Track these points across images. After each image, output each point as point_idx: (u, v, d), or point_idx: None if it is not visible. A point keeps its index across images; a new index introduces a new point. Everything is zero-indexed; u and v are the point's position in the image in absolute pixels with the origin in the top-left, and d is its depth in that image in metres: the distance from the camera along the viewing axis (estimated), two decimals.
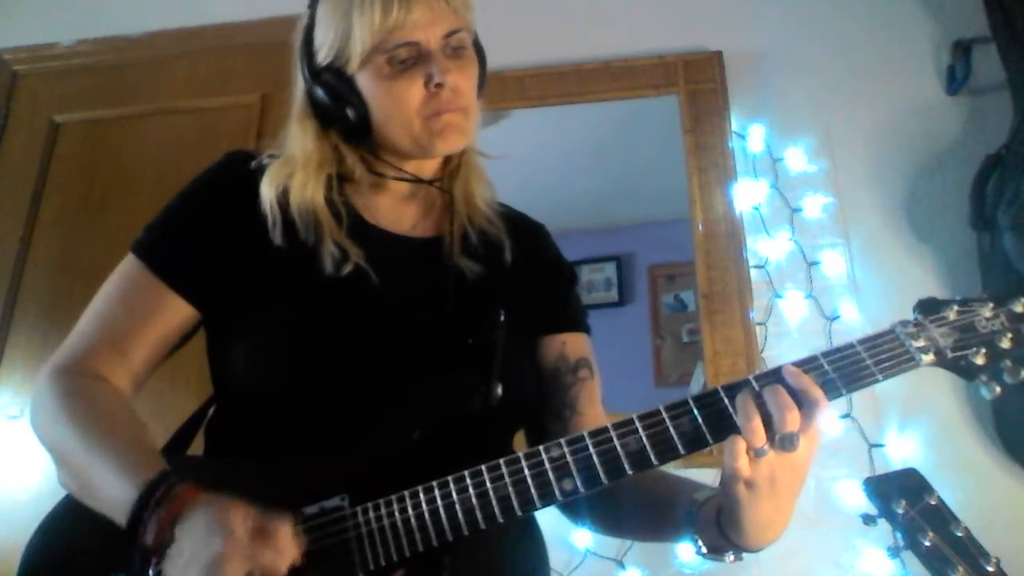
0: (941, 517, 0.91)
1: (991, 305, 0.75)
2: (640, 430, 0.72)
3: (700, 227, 2.02)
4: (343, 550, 0.72)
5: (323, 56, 0.91)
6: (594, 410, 0.96)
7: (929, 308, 0.76)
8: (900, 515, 0.89)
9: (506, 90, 2.15)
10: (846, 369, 0.73)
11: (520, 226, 1.04)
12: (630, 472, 0.72)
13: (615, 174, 2.29)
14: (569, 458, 0.73)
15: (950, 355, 0.74)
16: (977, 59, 1.99)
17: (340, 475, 0.76)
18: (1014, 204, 1.71)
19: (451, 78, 0.87)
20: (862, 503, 0.77)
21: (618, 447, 0.72)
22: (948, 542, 0.89)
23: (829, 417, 0.71)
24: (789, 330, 1.91)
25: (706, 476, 0.85)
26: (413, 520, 0.73)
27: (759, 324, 1.91)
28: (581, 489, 0.72)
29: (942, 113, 2.03)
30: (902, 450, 1.76)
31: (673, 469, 0.86)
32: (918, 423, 1.77)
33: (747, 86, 2.14)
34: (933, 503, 0.92)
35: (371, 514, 0.74)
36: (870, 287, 1.92)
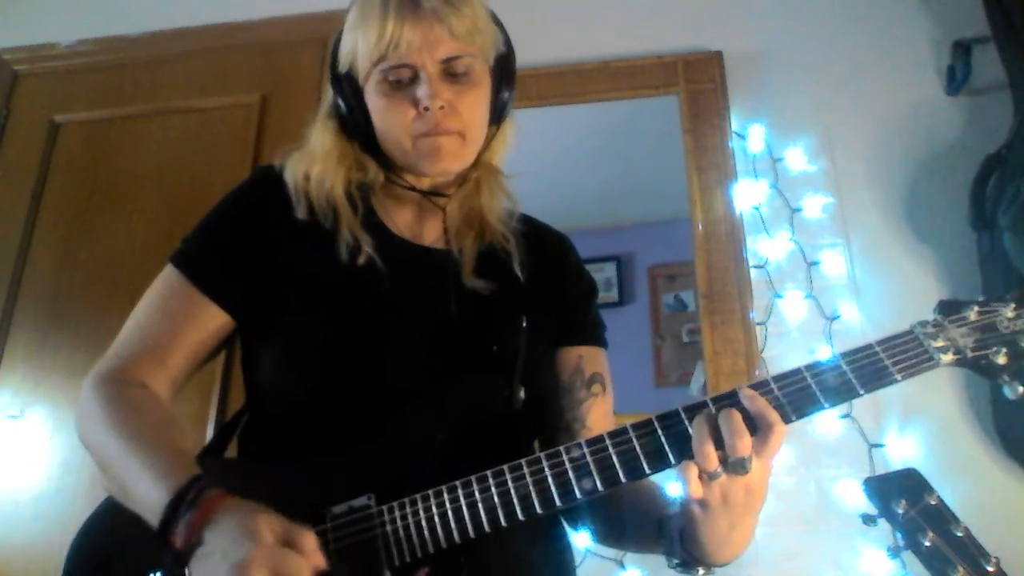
0: (941, 517, 0.91)
1: (1013, 305, 0.75)
2: (659, 430, 0.74)
3: (700, 227, 2.02)
4: (370, 548, 0.74)
5: (342, 65, 0.95)
6: (603, 425, 0.96)
7: (949, 309, 0.76)
8: (900, 515, 0.89)
9: None
10: (865, 370, 0.73)
11: (543, 237, 1.07)
12: (649, 472, 0.73)
13: (615, 174, 2.29)
14: (589, 457, 0.74)
15: (970, 355, 0.74)
16: (977, 59, 1.99)
17: (367, 476, 0.79)
18: (1014, 204, 1.71)
19: (438, 102, 0.89)
20: (862, 503, 0.77)
21: (637, 447, 0.74)
22: (948, 542, 0.89)
23: (781, 441, 0.71)
24: (789, 330, 1.91)
25: None
26: (437, 519, 0.75)
27: (759, 324, 1.91)
28: (600, 487, 0.74)
29: (942, 113, 2.03)
30: (902, 450, 1.76)
31: None
32: (918, 423, 1.78)
33: (747, 86, 2.14)
34: (933, 503, 0.92)
35: (396, 513, 0.76)
36: (870, 287, 1.92)
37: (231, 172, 2.16)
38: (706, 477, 0.70)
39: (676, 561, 0.81)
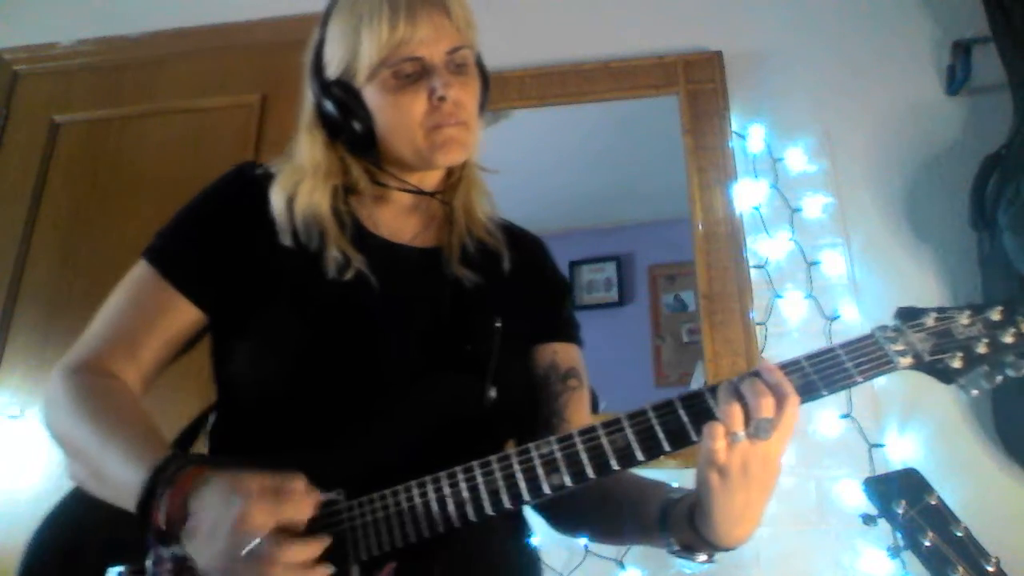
0: (941, 517, 0.91)
1: (968, 312, 0.79)
2: (627, 427, 0.75)
3: (700, 227, 2.02)
4: (338, 541, 0.74)
5: (332, 70, 0.95)
6: (581, 418, 0.98)
7: (908, 315, 0.80)
8: (900, 515, 0.89)
9: (506, 90, 2.15)
10: (826, 371, 0.76)
11: (519, 238, 1.08)
12: (617, 468, 0.75)
13: (615, 174, 2.29)
14: (558, 454, 0.76)
15: (927, 358, 0.77)
16: (977, 59, 1.99)
17: (338, 473, 0.79)
18: (1014, 204, 1.71)
19: (453, 92, 0.91)
20: (862, 503, 0.78)
21: (606, 444, 0.75)
22: (948, 542, 0.89)
23: (798, 417, 0.73)
24: (789, 330, 1.91)
25: (682, 478, 0.86)
26: (405, 513, 0.76)
27: (759, 324, 1.91)
28: (569, 483, 0.75)
29: (942, 113, 2.03)
30: (902, 450, 1.76)
31: (650, 470, 0.88)
32: (918, 423, 1.78)
33: (747, 86, 2.14)
34: (933, 503, 0.92)
35: (365, 508, 0.76)
36: (870, 287, 1.92)
37: None
38: (730, 439, 0.71)
39: (677, 547, 0.81)
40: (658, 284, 2.25)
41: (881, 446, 1.76)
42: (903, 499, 0.91)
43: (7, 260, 2.24)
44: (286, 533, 0.68)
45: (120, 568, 0.77)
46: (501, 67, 2.17)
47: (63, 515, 0.87)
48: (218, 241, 0.92)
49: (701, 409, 0.75)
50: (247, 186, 0.96)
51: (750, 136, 2.08)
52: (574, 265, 2.22)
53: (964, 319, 0.78)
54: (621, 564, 1.73)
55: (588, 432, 0.76)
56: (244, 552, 0.66)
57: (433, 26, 0.90)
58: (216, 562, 0.68)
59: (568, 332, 1.05)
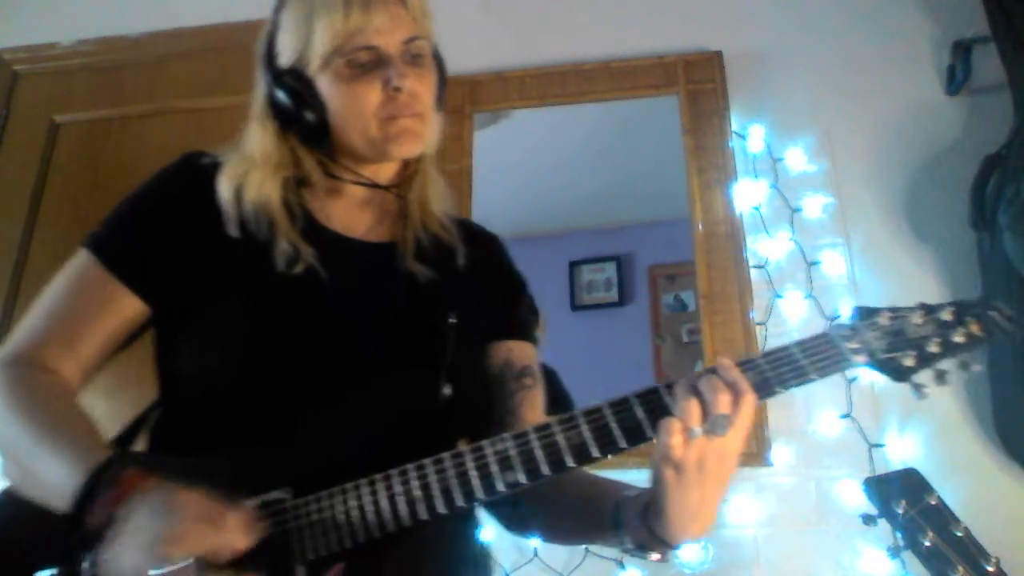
0: (941, 517, 0.91)
1: (920, 312, 0.80)
2: (583, 424, 0.75)
3: (700, 227, 2.02)
4: (284, 541, 0.72)
5: (285, 59, 0.93)
6: (535, 418, 0.96)
7: (863, 314, 0.81)
8: (900, 515, 0.89)
9: (506, 90, 2.15)
10: (781, 368, 0.77)
11: (474, 235, 1.07)
12: (572, 464, 0.74)
13: (615, 174, 2.29)
14: (513, 451, 0.75)
15: (880, 356, 0.79)
16: (977, 59, 1.99)
17: (286, 471, 0.77)
18: (1014, 204, 1.71)
19: (408, 83, 0.89)
20: (862, 503, 0.78)
21: (561, 440, 0.74)
22: (948, 542, 0.89)
23: (753, 412, 0.74)
24: (789, 330, 1.91)
25: (641, 478, 0.86)
26: (356, 512, 0.73)
27: (759, 324, 1.91)
28: (524, 481, 0.74)
29: (942, 113, 2.03)
30: (902, 450, 1.76)
31: (609, 470, 0.88)
32: (918, 423, 1.77)
33: (747, 86, 2.14)
34: (933, 503, 0.92)
35: (312, 507, 0.74)
36: (870, 287, 1.92)
37: None
38: (686, 435, 0.71)
39: (631, 546, 0.80)
40: (658, 284, 2.25)
41: (881, 446, 1.76)
42: (903, 499, 0.91)
43: (7, 260, 2.24)
44: (211, 563, 0.64)
45: (52, 570, 0.73)
46: (501, 67, 2.17)
47: None
48: (163, 231, 0.89)
49: (658, 405, 0.74)
50: (193, 175, 0.94)
51: (750, 136, 2.08)
52: (574, 265, 2.22)
53: (917, 318, 0.80)
54: (621, 564, 1.73)
55: (543, 429, 0.75)
56: (154, 572, 0.62)
57: (388, 15, 0.89)
58: (123, 573, 0.64)
59: (523, 330, 1.04)
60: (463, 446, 0.77)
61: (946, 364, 0.78)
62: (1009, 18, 1.86)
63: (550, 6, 2.30)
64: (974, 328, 0.79)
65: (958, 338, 0.78)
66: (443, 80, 0.99)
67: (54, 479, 0.73)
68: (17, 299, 2.21)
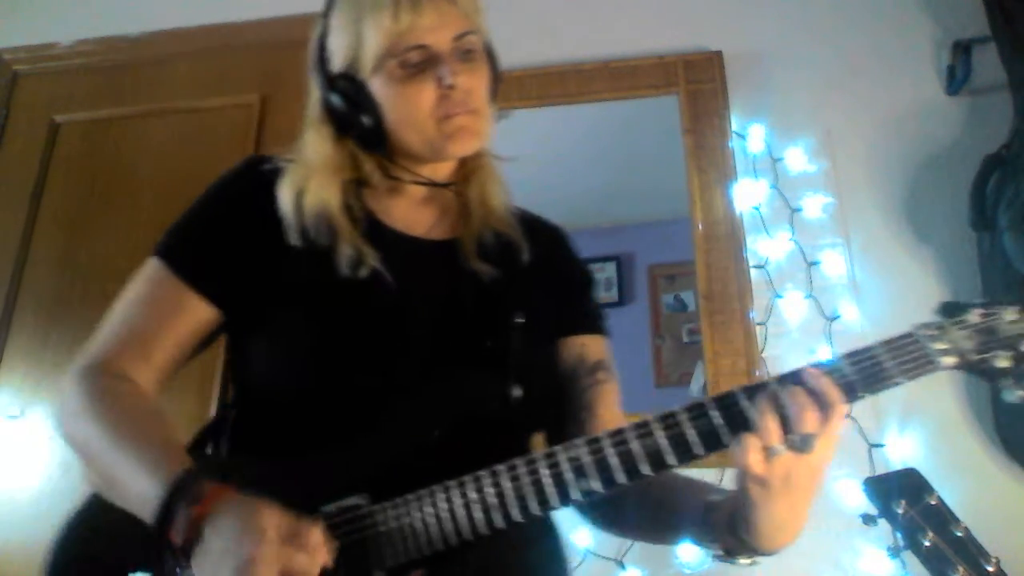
0: (941, 517, 0.91)
1: (1015, 308, 0.75)
2: (658, 431, 0.73)
3: (700, 227, 2.02)
4: (360, 549, 0.73)
5: (337, 63, 0.92)
6: (611, 413, 0.96)
7: (951, 310, 0.76)
8: (900, 515, 0.89)
9: (506, 90, 2.13)
10: (866, 371, 0.73)
11: (537, 229, 1.04)
12: (649, 472, 0.72)
13: (615, 174, 2.29)
14: (587, 458, 0.73)
15: (972, 358, 0.74)
16: (977, 59, 1.99)
17: (359, 475, 0.77)
18: (1014, 204, 1.71)
19: (462, 80, 0.88)
20: (862, 503, 0.78)
21: (637, 448, 0.72)
22: (948, 542, 0.89)
23: (844, 419, 0.70)
24: (789, 330, 1.91)
25: (712, 476, 0.84)
26: (432, 519, 0.73)
27: (759, 324, 1.91)
28: (600, 489, 0.72)
29: (942, 113, 2.03)
30: (902, 450, 1.76)
31: (685, 469, 0.86)
32: (918, 423, 1.77)
33: (747, 86, 2.14)
34: (933, 503, 0.92)
35: (389, 513, 0.74)
36: (870, 287, 1.92)
37: None
38: (767, 453, 0.68)
39: (720, 552, 0.78)
40: (658, 284, 2.25)
41: (881, 446, 1.76)
42: (903, 499, 0.91)
43: (7, 260, 2.24)
44: None
45: (146, 574, 0.74)
46: (501, 67, 2.17)
47: (83, 518, 0.85)
48: (229, 237, 0.90)
49: (735, 412, 0.72)
50: (256, 182, 0.93)
51: (750, 136, 2.08)
52: None
53: (1010, 315, 0.74)
54: (621, 564, 1.73)
55: (617, 435, 0.73)
56: None
57: (438, 12, 0.88)
58: None
59: (593, 324, 1.02)
60: (536, 452, 0.75)
61: None
62: (1009, 18, 1.86)
63: (550, 6, 2.30)
64: None
65: None
66: (496, 73, 0.98)
67: (135, 488, 0.73)
68: (17, 299, 2.22)
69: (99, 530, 0.82)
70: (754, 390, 0.72)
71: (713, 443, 0.72)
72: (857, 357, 0.73)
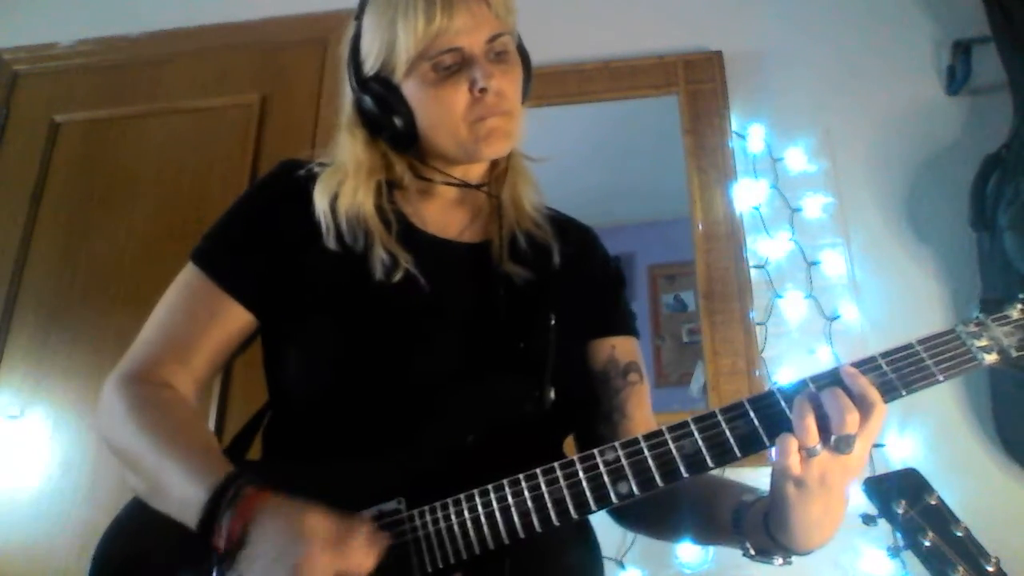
0: (941, 517, 0.91)
1: None
2: (695, 432, 0.72)
3: (700, 227, 2.02)
4: (401, 553, 0.73)
5: (370, 65, 0.92)
6: (643, 414, 0.96)
7: (992, 307, 0.75)
8: (900, 515, 0.89)
9: None
10: (905, 370, 0.72)
11: (569, 229, 1.05)
12: (686, 475, 0.72)
13: (615, 174, 2.29)
14: (624, 461, 0.73)
15: (1014, 354, 0.73)
16: (977, 59, 1.99)
17: (395, 478, 0.78)
18: (1014, 204, 1.71)
19: (494, 82, 0.88)
20: (862, 503, 0.77)
21: (674, 450, 0.72)
22: (948, 542, 0.88)
23: (882, 422, 0.70)
24: (789, 330, 1.91)
25: (747, 476, 0.84)
26: (469, 523, 0.74)
27: (759, 324, 1.91)
28: (636, 492, 0.72)
29: (942, 113, 2.03)
30: (902, 450, 1.76)
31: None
32: (918, 423, 1.77)
33: (747, 86, 2.14)
34: (933, 503, 0.92)
35: (428, 517, 0.75)
36: (870, 287, 1.92)
37: (231, 172, 2.16)
38: (805, 454, 0.68)
39: (752, 552, 0.78)
40: (658, 284, 2.25)
41: (881, 446, 1.76)
42: (903, 499, 0.91)
43: (7, 260, 2.24)
44: None
45: None
46: None
47: (128, 522, 0.86)
48: (265, 242, 0.90)
49: (773, 412, 0.71)
50: (290, 184, 0.94)
51: (750, 136, 2.08)
52: None
53: None
54: (621, 564, 1.73)
55: (654, 437, 0.73)
56: None
57: (471, 14, 0.87)
58: None
59: (626, 324, 1.03)
60: (572, 455, 0.75)
61: None
62: (1009, 18, 1.86)
63: (550, 6, 2.30)
64: None
65: None
66: (528, 73, 0.98)
67: (177, 494, 0.74)
68: (17, 299, 2.22)
69: (144, 535, 0.82)
70: (790, 390, 0.72)
71: (752, 445, 0.71)
72: (895, 355, 0.73)
